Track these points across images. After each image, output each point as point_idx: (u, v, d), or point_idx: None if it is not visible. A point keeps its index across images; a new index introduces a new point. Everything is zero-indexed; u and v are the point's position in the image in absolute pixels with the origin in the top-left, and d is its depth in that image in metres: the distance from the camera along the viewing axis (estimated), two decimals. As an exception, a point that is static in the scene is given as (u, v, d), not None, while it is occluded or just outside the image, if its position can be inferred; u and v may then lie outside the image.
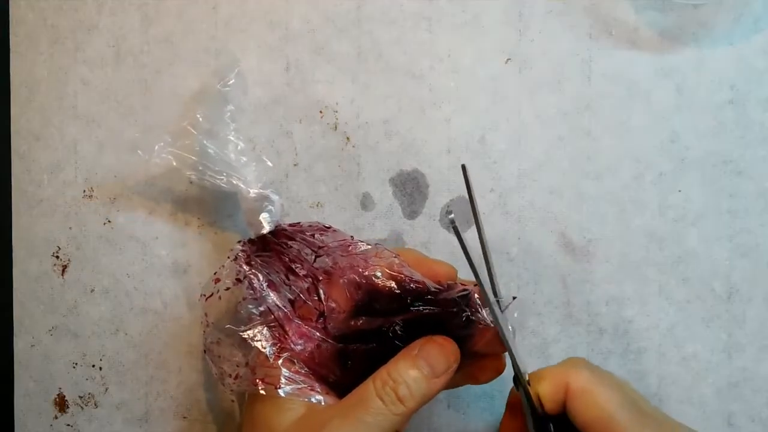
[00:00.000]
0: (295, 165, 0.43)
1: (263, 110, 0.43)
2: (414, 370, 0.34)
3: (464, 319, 0.35)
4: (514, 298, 0.36)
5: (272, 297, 0.37)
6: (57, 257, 0.44)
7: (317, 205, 0.43)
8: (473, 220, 0.36)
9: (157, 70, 0.44)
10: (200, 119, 0.40)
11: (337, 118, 0.43)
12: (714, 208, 0.42)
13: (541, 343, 0.43)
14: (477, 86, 0.43)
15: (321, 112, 0.43)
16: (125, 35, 0.44)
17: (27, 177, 0.44)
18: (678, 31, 0.42)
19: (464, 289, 0.35)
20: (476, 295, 0.35)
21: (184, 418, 0.44)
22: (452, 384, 0.38)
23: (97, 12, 0.44)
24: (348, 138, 0.43)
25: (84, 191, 0.44)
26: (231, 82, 0.41)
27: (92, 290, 0.44)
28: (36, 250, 0.44)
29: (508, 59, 0.43)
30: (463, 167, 0.36)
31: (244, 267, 0.37)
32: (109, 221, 0.44)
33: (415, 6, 0.43)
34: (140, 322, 0.44)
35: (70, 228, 0.44)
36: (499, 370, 0.37)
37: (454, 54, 0.43)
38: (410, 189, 0.43)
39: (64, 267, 0.44)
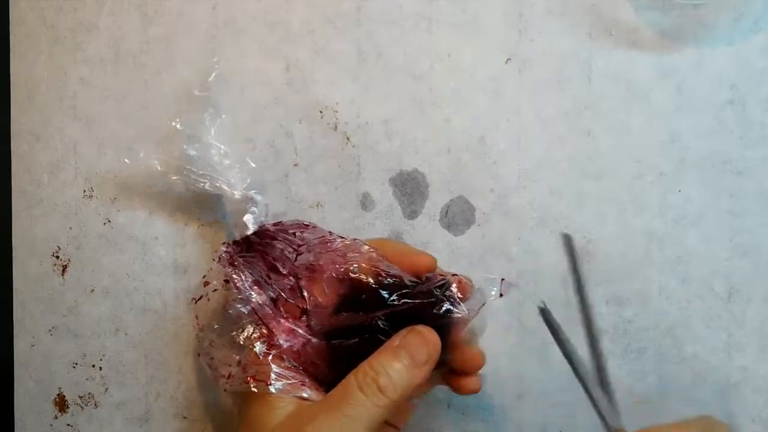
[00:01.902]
0: (295, 165, 0.43)
1: (263, 110, 0.43)
2: (395, 361, 0.34)
3: (443, 310, 0.35)
4: (502, 279, 0.36)
5: (255, 296, 0.37)
6: (57, 257, 0.44)
7: (317, 205, 0.43)
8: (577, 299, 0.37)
9: (157, 70, 0.44)
10: (179, 128, 0.40)
11: (337, 118, 0.43)
12: (714, 208, 0.42)
13: (540, 344, 0.43)
14: (477, 86, 0.43)
15: (321, 112, 0.43)
16: (125, 35, 0.44)
17: (27, 177, 0.44)
18: (678, 31, 0.42)
19: (442, 280, 0.35)
20: (454, 286, 0.35)
21: (184, 418, 0.44)
22: (429, 385, 0.38)
23: (96, 12, 0.44)
24: (348, 138, 0.43)
25: (84, 191, 0.44)
26: (209, 85, 0.41)
27: (92, 290, 0.44)
28: (36, 250, 0.44)
29: (508, 59, 0.43)
30: (567, 238, 0.36)
31: (228, 268, 0.38)
32: (109, 221, 0.44)
33: (415, 6, 0.43)
34: (140, 322, 0.44)
35: (70, 228, 0.44)
36: (476, 390, 0.37)
37: (454, 54, 0.43)
38: (410, 189, 0.43)
39: (64, 267, 0.44)
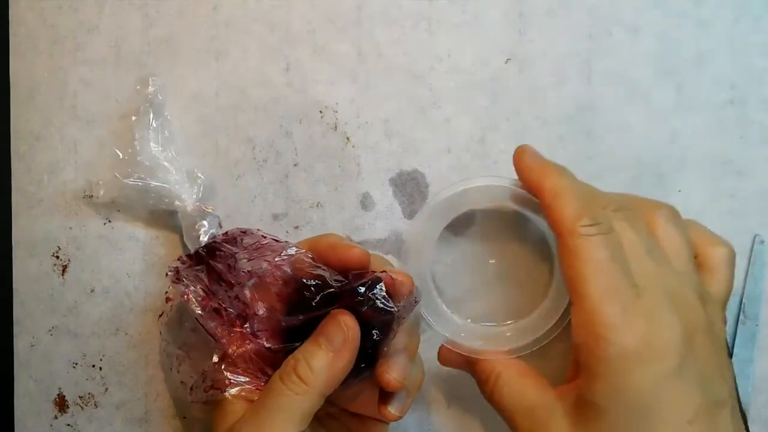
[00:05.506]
0: (295, 165, 0.43)
1: (263, 110, 0.43)
2: (313, 347, 0.34)
3: (371, 308, 0.34)
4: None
5: (199, 309, 0.37)
6: (57, 257, 0.44)
7: (317, 205, 0.43)
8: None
9: (157, 71, 0.44)
10: (120, 155, 0.42)
11: (337, 118, 0.43)
12: (714, 208, 0.42)
13: (541, 343, 0.43)
14: (477, 86, 0.43)
15: (321, 112, 0.43)
16: (125, 35, 0.44)
17: (27, 177, 0.44)
18: (678, 31, 0.42)
19: (371, 279, 0.35)
20: (382, 284, 0.35)
21: (184, 418, 0.44)
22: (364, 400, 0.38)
23: (97, 12, 0.44)
24: (348, 138, 0.43)
25: (84, 191, 0.44)
26: (143, 109, 0.42)
27: (92, 290, 0.44)
28: (36, 250, 0.44)
29: (508, 59, 0.43)
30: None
31: (177, 284, 0.38)
32: (109, 221, 0.44)
33: (415, 6, 0.43)
34: (140, 322, 0.44)
35: (70, 228, 0.44)
36: (388, 416, 0.36)
37: (454, 54, 0.43)
38: (410, 189, 0.43)
39: (64, 267, 0.44)
